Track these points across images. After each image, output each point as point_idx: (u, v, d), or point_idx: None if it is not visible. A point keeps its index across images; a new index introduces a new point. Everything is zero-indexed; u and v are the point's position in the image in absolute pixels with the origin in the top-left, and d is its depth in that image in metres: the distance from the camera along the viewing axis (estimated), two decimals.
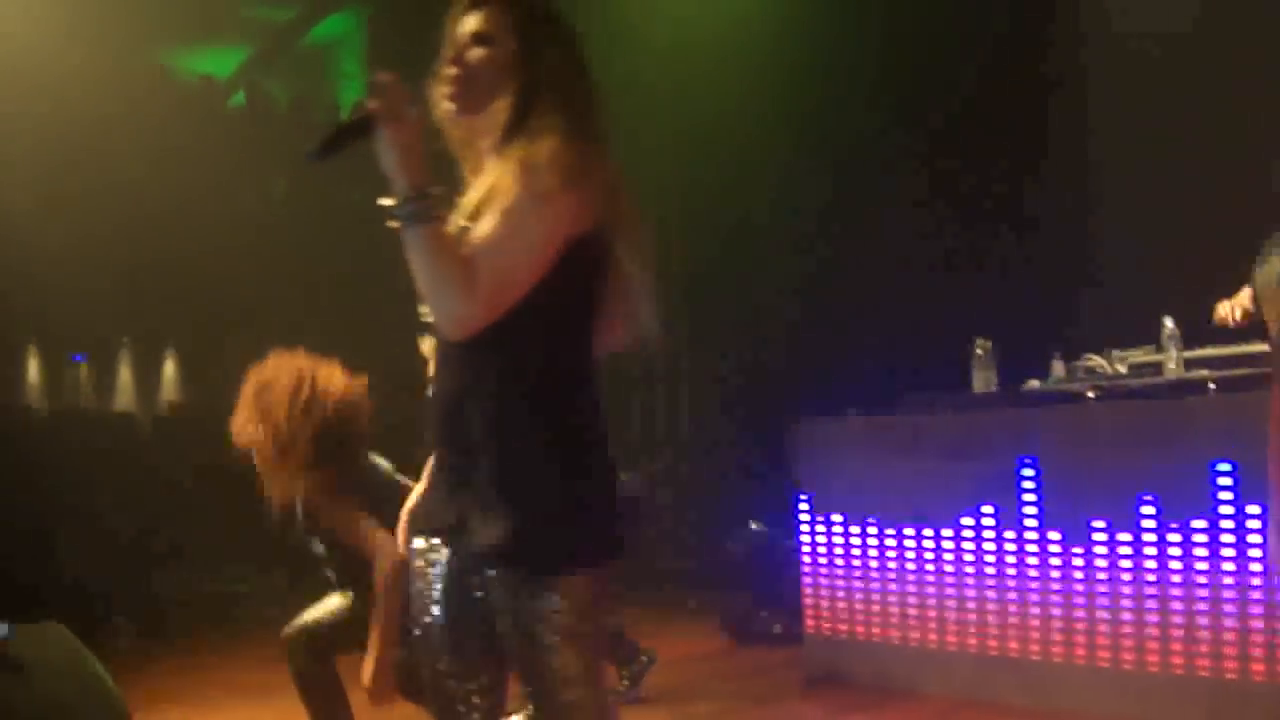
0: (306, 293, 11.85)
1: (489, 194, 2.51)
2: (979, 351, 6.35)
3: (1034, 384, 6.23)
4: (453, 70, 2.59)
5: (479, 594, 2.57)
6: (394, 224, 2.43)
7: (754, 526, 8.12)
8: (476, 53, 2.60)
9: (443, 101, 2.60)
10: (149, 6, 11.82)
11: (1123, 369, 5.95)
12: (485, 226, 2.45)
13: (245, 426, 4.69)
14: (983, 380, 6.33)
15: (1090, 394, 5.74)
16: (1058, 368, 6.29)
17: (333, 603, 4.90)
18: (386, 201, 2.43)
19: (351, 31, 15.70)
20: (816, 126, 9.28)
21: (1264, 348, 5.27)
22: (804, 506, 6.69)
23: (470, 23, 2.62)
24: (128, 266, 10.91)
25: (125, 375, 13.96)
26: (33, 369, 13.26)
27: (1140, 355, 5.96)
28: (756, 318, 10.09)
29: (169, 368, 14.09)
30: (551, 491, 2.50)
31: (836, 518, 6.55)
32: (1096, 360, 6.08)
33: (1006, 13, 8.54)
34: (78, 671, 5.86)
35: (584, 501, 2.53)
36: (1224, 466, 5.06)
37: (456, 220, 2.54)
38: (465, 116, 2.62)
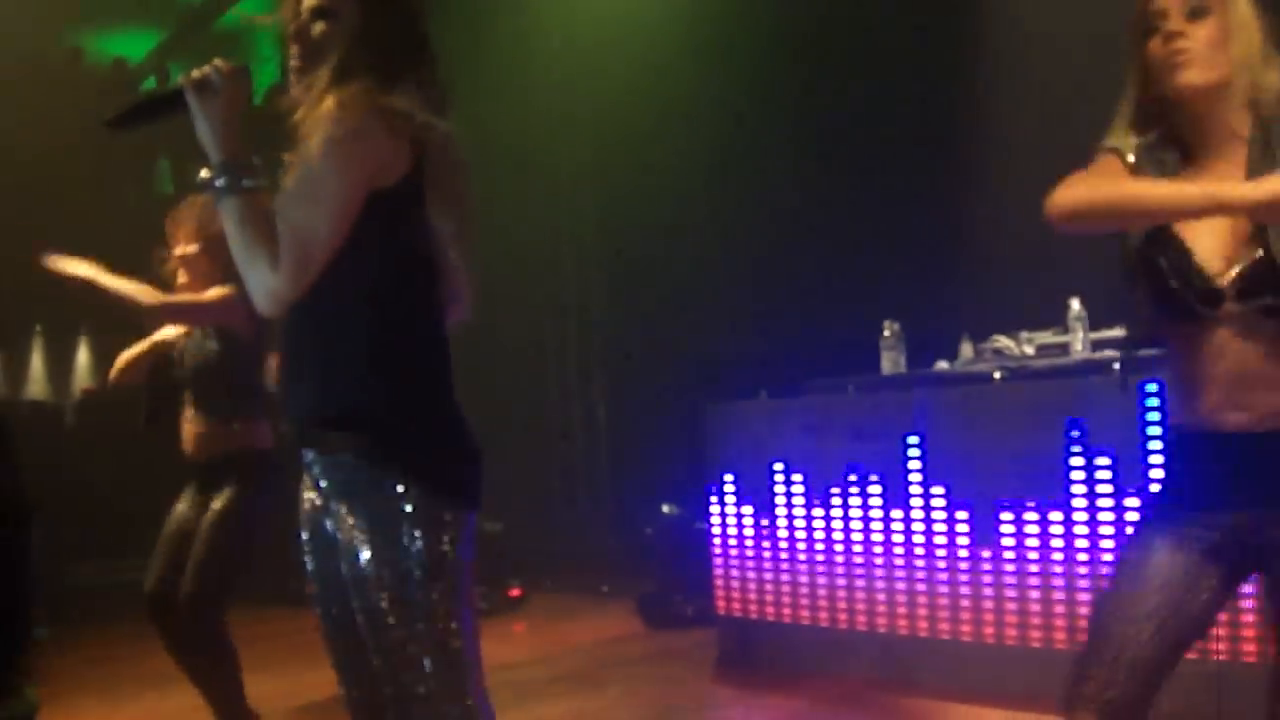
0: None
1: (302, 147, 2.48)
2: (887, 334, 6.38)
3: (943, 365, 6.27)
4: (295, 47, 2.60)
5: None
6: (208, 195, 2.46)
7: (666, 509, 8.12)
8: (318, 27, 2.58)
9: (291, 75, 2.59)
10: None
11: (1030, 350, 6.00)
12: (283, 194, 2.45)
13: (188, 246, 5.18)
14: (891, 362, 6.36)
15: (996, 375, 5.77)
16: (966, 349, 6.31)
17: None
18: (203, 174, 2.45)
19: (266, 13, 15.52)
20: (729, 105, 9.27)
21: None
22: (714, 489, 6.71)
23: None
24: (38, 253, 10.74)
25: (37, 364, 13.81)
26: None
27: (1048, 337, 6.01)
28: (672, 298, 10.09)
29: (82, 354, 13.94)
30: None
31: (746, 501, 6.57)
32: (1004, 342, 6.12)
33: None
34: None
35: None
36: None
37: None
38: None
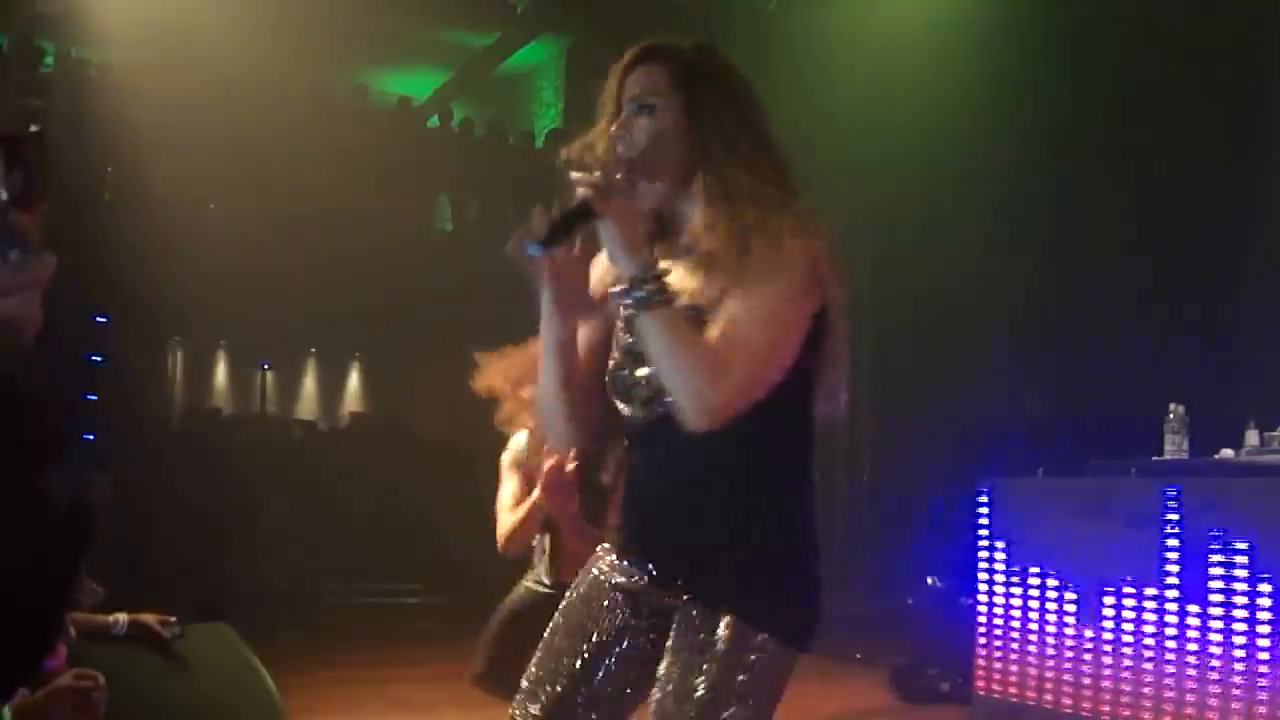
0: (496, 315, 11.94)
1: (708, 267, 2.37)
2: (1170, 416, 6.10)
3: (1227, 453, 5.95)
4: (619, 144, 2.48)
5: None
6: (626, 309, 2.33)
7: (930, 580, 7.91)
8: (641, 123, 2.48)
9: (607, 167, 2.41)
10: (350, 26, 12.08)
11: None
12: (736, 308, 2.30)
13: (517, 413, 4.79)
14: (1174, 445, 6.08)
15: None
16: (1251, 436, 6.00)
17: None
18: (615, 288, 2.31)
19: (550, 60, 15.86)
20: (1012, 174, 9.07)
21: None
22: (984, 564, 6.49)
23: (632, 87, 2.51)
24: (319, 279, 11.12)
25: (310, 384, 14.30)
26: (221, 374, 13.64)
27: None
28: (943, 365, 9.89)
29: (353, 379, 14.39)
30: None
31: (1017, 579, 6.34)
32: None
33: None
34: (242, 674, 5.93)
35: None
36: None
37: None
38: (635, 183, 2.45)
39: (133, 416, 10.99)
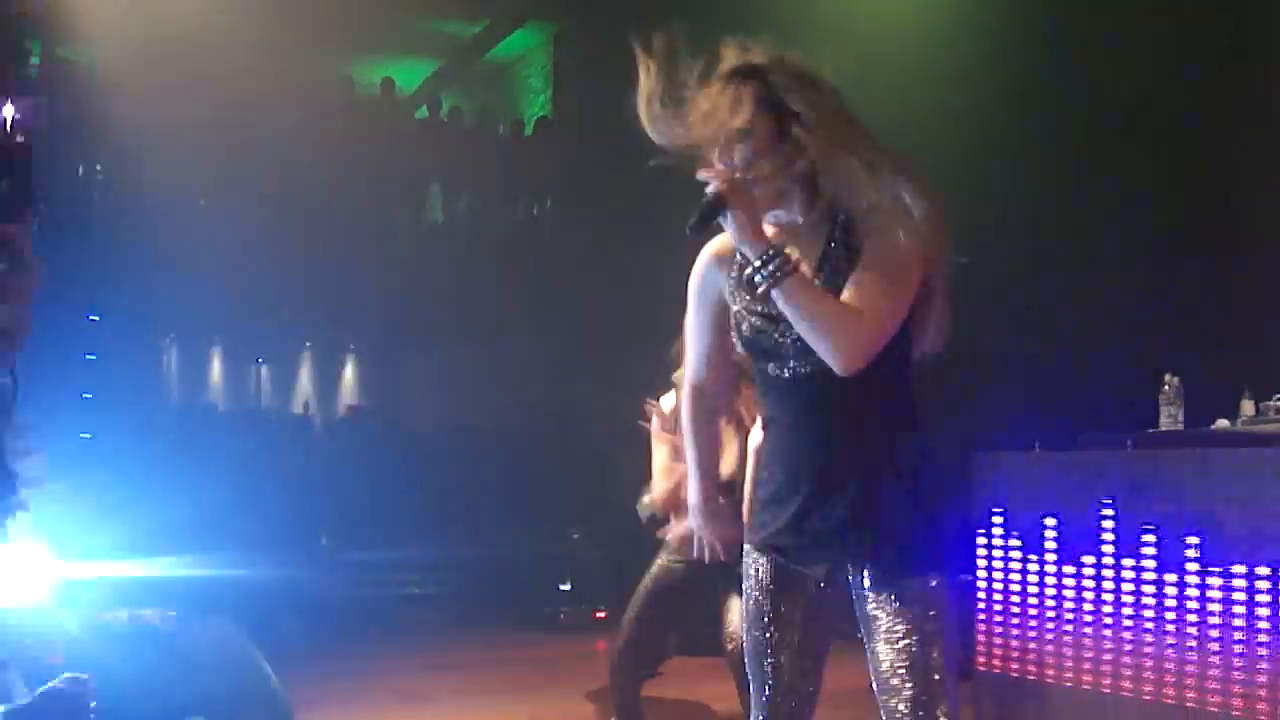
0: (486, 304, 11.97)
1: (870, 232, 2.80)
2: (1166, 388, 6.09)
3: (1223, 423, 5.95)
4: (727, 174, 2.79)
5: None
6: (761, 287, 2.74)
7: None
8: (742, 153, 2.82)
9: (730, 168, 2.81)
10: (335, 18, 12.05)
11: None
12: (863, 272, 2.77)
13: None
14: (1170, 417, 6.07)
15: None
16: (1247, 406, 5.99)
17: None
18: (747, 272, 2.80)
19: (538, 46, 15.84)
20: (1001, 160, 9.06)
21: None
22: (982, 540, 6.49)
23: (720, 113, 2.81)
24: (311, 273, 11.12)
25: (305, 379, 14.30)
26: (216, 370, 13.65)
27: None
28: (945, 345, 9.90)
29: (348, 372, 14.39)
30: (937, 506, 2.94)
31: (1016, 554, 6.34)
32: None
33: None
34: (244, 668, 5.95)
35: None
36: None
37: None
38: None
39: (129, 414, 11.00)
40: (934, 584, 2.84)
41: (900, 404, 2.93)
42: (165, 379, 13.42)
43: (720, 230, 2.84)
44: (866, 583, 2.89)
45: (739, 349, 2.99)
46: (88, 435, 10.19)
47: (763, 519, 3.02)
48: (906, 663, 2.82)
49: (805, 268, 2.80)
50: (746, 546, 3.09)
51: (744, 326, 2.94)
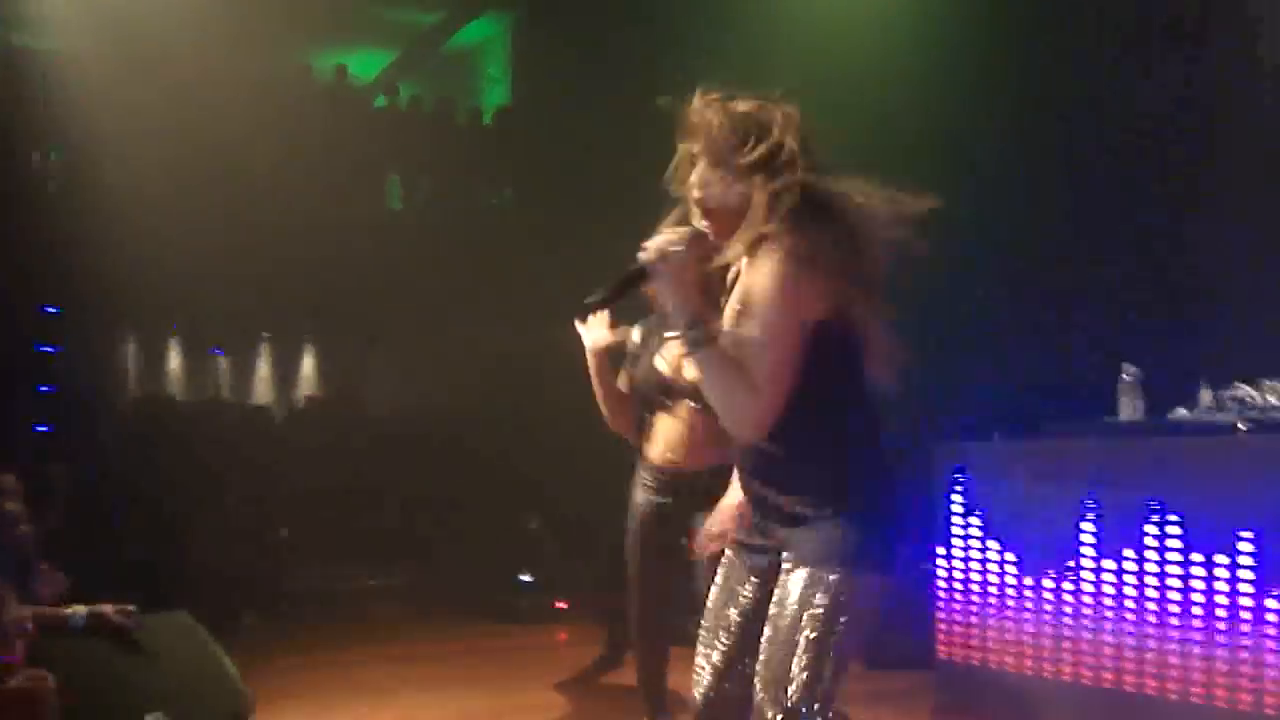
0: (446, 291, 11.95)
1: (746, 295, 2.93)
2: (1126, 377, 6.13)
3: (1181, 412, 6.00)
4: (701, 219, 3.01)
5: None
6: (682, 351, 2.91)
7: None
8: (709, 194, 2.99)
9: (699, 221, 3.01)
10: (294, 6, 11.99)
11: (1275, 399, 5.71)
12: (746, 332, 2.88)
13: None
14: (1129, 407, 6.11)
15: (1240, 425, 5.48)
16: (1205, 396, 6.04)
17: None
18: (670, 334, 3.08)
19: (496, 35, 15.81)
20: (960, 139, 9.08)
21: None
22: (941, 529, 6.53)
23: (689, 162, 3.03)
24: (269, 263, 11.06)
25: (264, 369, 14.23)
26: (174, 362, 13.57)
27: None
28: (900, 332, 9.92)
29: (306, 363, 14.33)
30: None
31: (976, 543, 6.38)
32: (1246, 390, 5.83)
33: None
34: (203, 662, 5.92)
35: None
36: None
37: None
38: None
39: (88, 407, 10.93)
40: (833, 577, 2.92)
41: (825, 411, 2.99)
42: (123, 370, 13.33)
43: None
44: (784, 569, 3.02)
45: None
46: (45, 429, 10.15)
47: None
48: (772, 639, 2.97)
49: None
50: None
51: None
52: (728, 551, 3.30)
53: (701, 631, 3.30)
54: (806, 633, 2.91)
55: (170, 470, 8.92)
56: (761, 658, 2.99)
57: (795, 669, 2.90)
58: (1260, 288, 7.42)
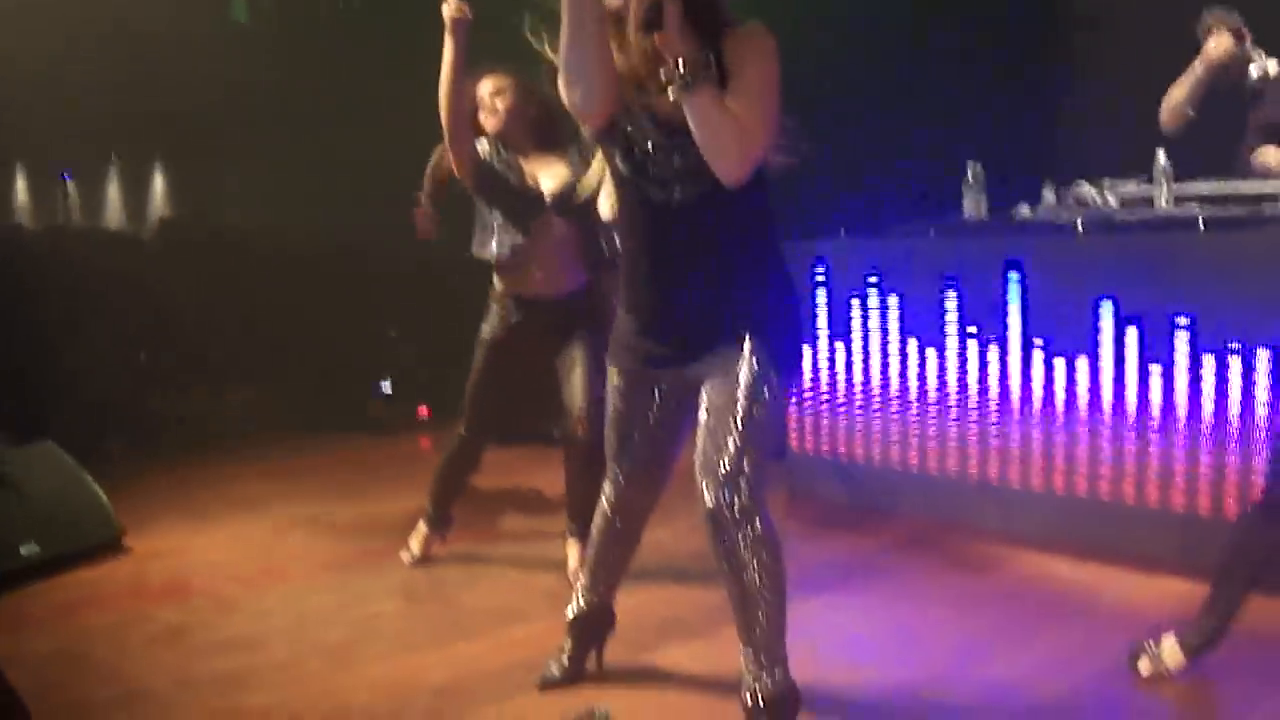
0: (294, 103, 11.74)
1: (733, 63, 3.14)
2: (969, 176, 6.30)
3: (1024, 210, 6.19)
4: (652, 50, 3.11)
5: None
6: (675, 93, 3.01)
7: None
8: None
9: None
10: None
11: (1113, 200, 5.91)
12: (745, 93, 3.09)
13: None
14: (973, 204, 6.29)
15: (1078, 225, 5.68)
16: (1048, 195, 6.23)
17: None
18: (665, 74, 3.01)
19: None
20: None
21: (1261, 187, 5.23)
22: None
23: None
24: (113, 81, 10.78)
25: (114, 192, 13.91)
26: (20, 188, 13.21)
27: (1133, 188, 5.92)
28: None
29: (157, 183, 14.03)
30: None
31: (824, 338, 6.57)
32: (1088, 189, 6.02)
33: None
34: (72, 490, 5.96)
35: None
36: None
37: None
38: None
39: None
40: (767, 380, 3.24)
41: (758, 225, 3.34)
42: None
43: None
44: (707, 374, 3.32)
45: (623, 172, 3.29)
46: None
47: (624, 338, 3.54)
48: (711, 433, 3.22)
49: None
50: (608, 364, 3.62)
51: (635, 150, 3.26)
52: (623, 372, 3.55)
53: (608, 445, 3.66)
54: (738, 427, 3.17)
55: (22, 301, 8.77)
56: (698, 451, 3.22)
57: (728, 453, 3.15)
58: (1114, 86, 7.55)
